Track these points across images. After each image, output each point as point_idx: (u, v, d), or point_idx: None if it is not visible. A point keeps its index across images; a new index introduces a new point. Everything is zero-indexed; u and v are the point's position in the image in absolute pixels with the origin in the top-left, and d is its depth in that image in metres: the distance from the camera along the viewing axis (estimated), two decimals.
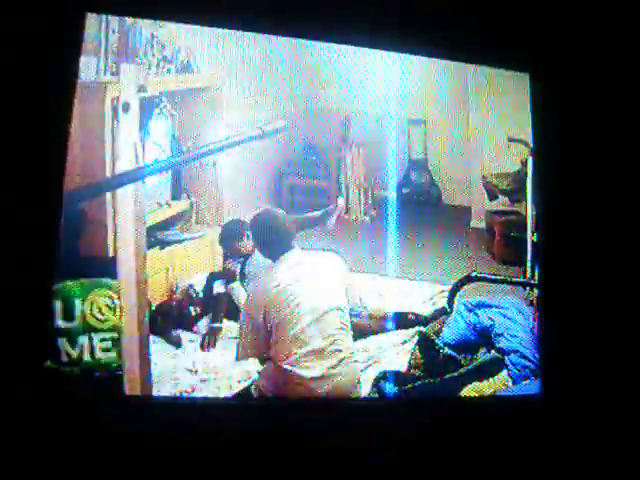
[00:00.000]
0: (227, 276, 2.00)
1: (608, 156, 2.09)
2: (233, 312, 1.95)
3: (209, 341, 1.94)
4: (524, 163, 2.16)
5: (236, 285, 1.99)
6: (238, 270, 2.00)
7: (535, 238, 2.12)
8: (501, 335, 2.04)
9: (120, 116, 1.76)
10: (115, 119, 1.76)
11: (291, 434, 1.75)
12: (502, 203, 2.23)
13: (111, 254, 1.76)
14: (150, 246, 1.83)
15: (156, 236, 1.91)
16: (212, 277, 2.01)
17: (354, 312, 1.93)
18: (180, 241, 2.00)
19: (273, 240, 1.85)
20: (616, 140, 2.09)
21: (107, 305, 1.71)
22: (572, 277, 2.05)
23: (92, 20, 1.78)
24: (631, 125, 2.09)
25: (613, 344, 2.02)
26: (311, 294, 1.80)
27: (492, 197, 2.23)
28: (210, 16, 1.85)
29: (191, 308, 1.99)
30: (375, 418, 1.84)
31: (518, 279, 2.14)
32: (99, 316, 1.71)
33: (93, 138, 1.75)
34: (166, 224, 2.00)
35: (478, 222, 2.24)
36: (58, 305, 1.66)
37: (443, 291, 2.10)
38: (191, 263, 2.00)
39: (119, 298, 1.71)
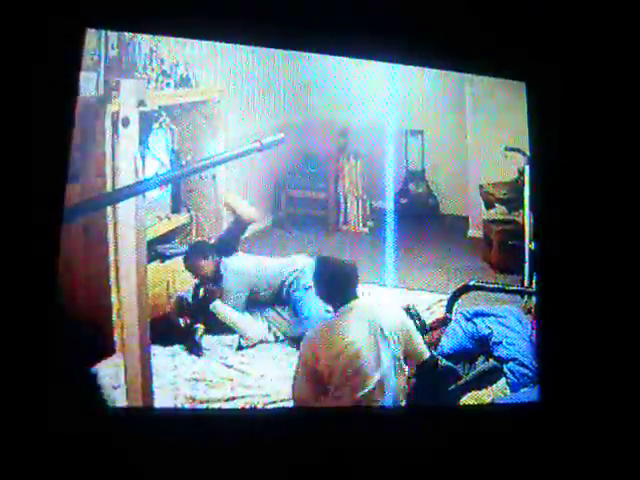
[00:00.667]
0: (211, 295, 2.04)
1: (605, 164, 2.10)
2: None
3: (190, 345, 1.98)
4: (521, 172, 2.18)
5: (217, 304, 2.02)
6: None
7: (533, 246, 2.14)
8: (499, 344, 2.05)
9: (120, 131, 1.78)
10: (115, 134, 1.78)
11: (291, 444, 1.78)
12: (499, 212, 2.25)
13: (112, 267, 1.79)
14: (151, 259, 1.85)
15: (156, 249, 1.93)
16: (197, 286, 2.04)
17: None
18: (180, 254, 2.02)
19: (340, 290, 1.83)
20: (613, 148, 2.10)
21: None
22: (570, 285, 2.07)
23: (91, 35, 1.81)
24: (628, 134, 2.10)
25: (611, 351, 2.03)
26: (382, 352, 1.77)
27: (489, 206, 2.24)
28: (208, 30, 1.87)
29: (180, 320, 2.01)
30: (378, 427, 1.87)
31: (516, 287, 2.16)
32: None
33: (93, 153, 1.78)
34: (166, 237, 2.03)
35: (476, 231, 2.26)
36: None
37: (441, 300, 2.12)
38: (191, 276, 2.02)
39: None
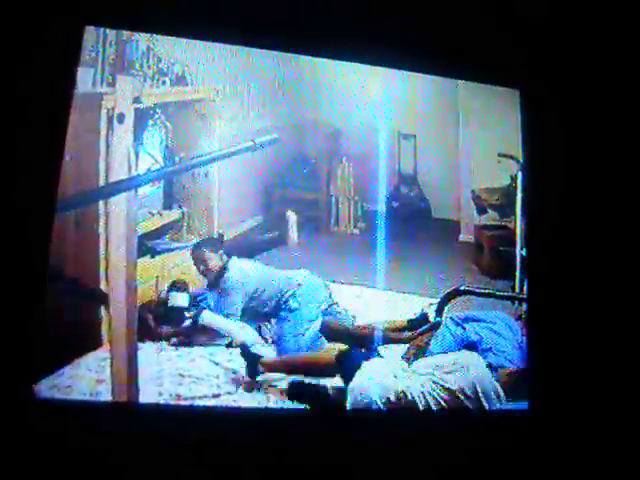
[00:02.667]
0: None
1: (598, 171, 2.13)
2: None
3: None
4: (513, 178, 2.20)
5: (206, 314, 2.04)
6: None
7: (524, 253, 2.16)
8: (489, 350, 2.06)
9: (115, 126, 1.82)
10: (110, 129, 1.82)
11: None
12: (491, 218, 2.27)
13: (102, 261, 1.82)
14: (141, 255, 1.87)
15: (147, 245, 1.96)
16: (170, 288, 2.03)
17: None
18: (171, 250, 2.04)
19: None
20: (605, 155, 2.13)
21: None
22: (561, 292, 2.09)
23: (90, 32, 1.86)
24: (620, 140, 2.13)
25: (602, 358, 2.04)
26: None
27: (481, 211, 2.26)
28: (206, 31, 1.92)
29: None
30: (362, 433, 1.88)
31: (507, 293, 2.17)
32: None
33: (88, 147, 1.81)
34: (157, 233, 2.05)
35: (467, 236, 2.28)
36: None
37: (432, 304, 2.13)
38: (181, 272, 2.04)
39: None
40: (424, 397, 1.89)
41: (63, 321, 1.74)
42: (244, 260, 2.09)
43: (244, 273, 2.08)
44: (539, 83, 2.15)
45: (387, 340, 2.05)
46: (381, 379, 1.91)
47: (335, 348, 2.01)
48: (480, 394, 1.91)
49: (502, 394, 1.95)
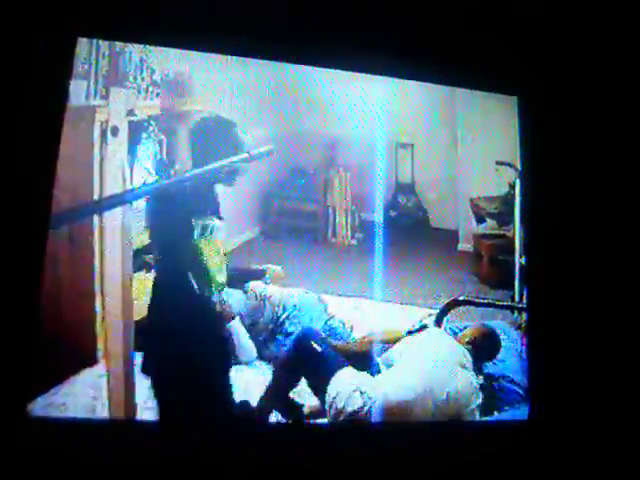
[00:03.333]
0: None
1: (597, 178, 2.13)
2: None
3: None
4: (512, 186, 2.20)
5: (236, 324, 2.02)
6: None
7: (523, 261, 2.16)
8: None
9: (109, 139, 1.81)
10: (104, 142, 1.81)
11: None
12: (490, 226, 2.26)
13: (97, 276, 1.80)
14: (137, 269, 1.86)
15: (143, 259, 1.95)
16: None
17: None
18: None
19: None
20: (604, 162, 2.13)
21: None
22: (560, 301, 2.08)
23: (83, 44, 1.85)
24: (618, 148, 2.13)
25: (603, 368, 2.04)
26: None
27: (480, 220, 2.26)
28: (199, 41, 1.91)
29: None
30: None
31: (506, 303, 2.16)
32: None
33: (82, 161, 1.80)
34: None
35: (466, 245, 2.27)
36: None
37: (430, 315, 2.12)
38: None
39: None
40: None
41: (58, 338, 1.73)
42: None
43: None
44: (538, 89, 2.15)
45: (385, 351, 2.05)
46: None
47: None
48: None
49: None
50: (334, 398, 1.88)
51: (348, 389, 1.89)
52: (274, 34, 1.93)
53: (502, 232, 2.24)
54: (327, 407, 1.88)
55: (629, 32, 2.11)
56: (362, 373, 1.95)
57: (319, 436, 1.92)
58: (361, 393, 1.89)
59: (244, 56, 1.97)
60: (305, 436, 1.91)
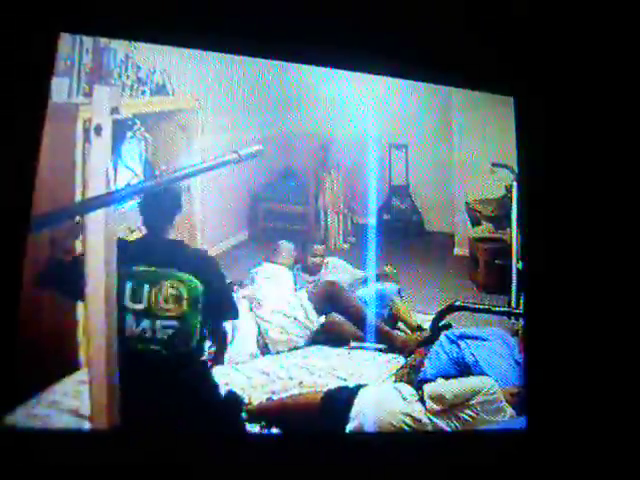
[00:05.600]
0: None
1: (593, 181, 2.12)
2: None
3: None
4: (509, 189, 2.18)
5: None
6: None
7: (520, 266, 2.14)
8: (483, 374, 2.03)
9: (92, 139, 1.78)
10: (87, 141, 1.78)
11: None
12: (486, 230, 2.25)
13: None
14: None
15: None
16: None
17: None
18: None
19: None
20: (601, 165, 2.12)
21: (173, 295, 1.79)
22: (559, 307, 2.07)
23: (65, 40, 1.82)
24: (616, 149, 2.12)
25: (601, 375, 2.03)
26: None
27: (476, 223, 2.25)
28: (188, 37, 1.88)
29: None
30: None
31: (503, 308, 2.15)
32: (163, 305, 1.78)
33: (64, 161, 1.77)
34: None
35: (461, 249, 2.25)
36: (128, 286, 1.79)
37: (426, 320, 2.11)
38: None
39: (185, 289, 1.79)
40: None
41: (39, 344, 1.70)
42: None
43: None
44: (534, 90, 2.13)
45: (383, 336, 2.03)
46: (391, 405, 1.90)
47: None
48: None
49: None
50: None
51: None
52: (271, 31, 1.90)
53: (499, 235, 2.22)
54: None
55: (626, 33, 2.10)
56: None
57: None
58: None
59: (236, 54, 1.94)
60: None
